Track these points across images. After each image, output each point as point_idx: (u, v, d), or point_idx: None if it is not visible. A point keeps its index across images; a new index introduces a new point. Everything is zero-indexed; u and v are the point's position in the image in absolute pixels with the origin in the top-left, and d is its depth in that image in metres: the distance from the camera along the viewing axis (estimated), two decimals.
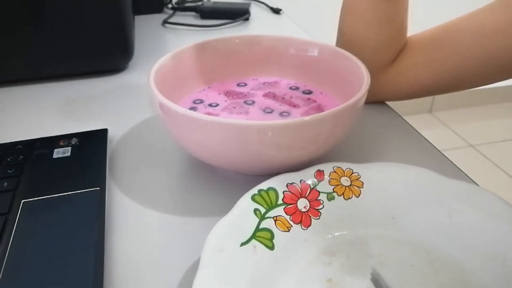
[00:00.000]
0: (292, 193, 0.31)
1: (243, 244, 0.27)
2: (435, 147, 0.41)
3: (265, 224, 0.29)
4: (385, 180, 0.32)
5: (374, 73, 0.44)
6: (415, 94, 0.44)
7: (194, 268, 0.29)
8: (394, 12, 0.41)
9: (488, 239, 0.28)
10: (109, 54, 0.54)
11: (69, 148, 0.38)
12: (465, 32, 0.39)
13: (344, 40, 0.44)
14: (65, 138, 0.40)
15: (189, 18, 0.77)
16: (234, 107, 0.39)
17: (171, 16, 0.77)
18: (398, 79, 0.44)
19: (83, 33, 0.51)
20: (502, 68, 0.39)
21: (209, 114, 0.37)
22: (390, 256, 0.29)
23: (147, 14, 0.78)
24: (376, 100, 0.47)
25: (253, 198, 0.29)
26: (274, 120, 0.29)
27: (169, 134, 0.35)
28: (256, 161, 0.32)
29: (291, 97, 0.41)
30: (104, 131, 0.41)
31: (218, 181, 0.37)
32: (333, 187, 0.32)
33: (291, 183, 0.31)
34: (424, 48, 0.42)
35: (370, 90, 0.44)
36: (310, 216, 0.30)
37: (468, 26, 0.39)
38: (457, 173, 0.38)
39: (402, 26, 0.43)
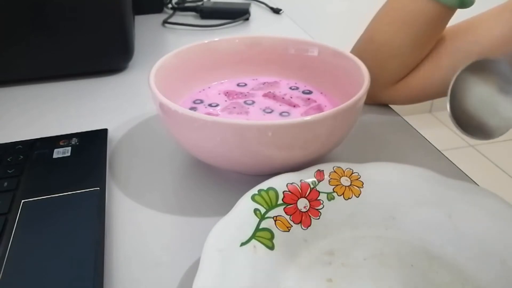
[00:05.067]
0: (292, 193, 0.31)
1: (243, 244, 0.27)
2: (435, 147, 0.41)
3: (265, 224, 0.29)
4: (385, 180, 0.32)
5: (399, 77, 0.44)
6: (426, 95, 0.45)
7: (194, 268, 0.29)
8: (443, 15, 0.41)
9: (488, 239, 0.28)
10: (109, 54, 0.54)
11: (69, 148, 0.38)
12: (477, 28, 0.40)
13: (374, 45, 0.43)
14: (65, 138, 0.40)
15: (189, 18, 0.77)
16: (234, 107, 0.39)
17: (171, 16, 0.77)
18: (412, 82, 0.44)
19: (83, 33, 0.51)
20: None
21: (209, 114, 0.37)
22: (390, 256, 0.29)
23: (147, 14, 0.78)
24: (390, 103, 0.48)
25: (253, 198, 0.29)
26: (274, 120, 0.29)
27: (169, 134, 0.35)
28: (256, 161, 0.32)
29: (291, 97, 0.41)
30: (104, 131, 0.41)
31: (218, 181, 0.37)
32: (333, 187, 0.32)
33: (291, 183, 0.31)
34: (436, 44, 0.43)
35: (385, 93, 0.43)
36: (310, 216, 0.30)
37: (482, 23, 0.40)
38: (457, 173, 0.38)
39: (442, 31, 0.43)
